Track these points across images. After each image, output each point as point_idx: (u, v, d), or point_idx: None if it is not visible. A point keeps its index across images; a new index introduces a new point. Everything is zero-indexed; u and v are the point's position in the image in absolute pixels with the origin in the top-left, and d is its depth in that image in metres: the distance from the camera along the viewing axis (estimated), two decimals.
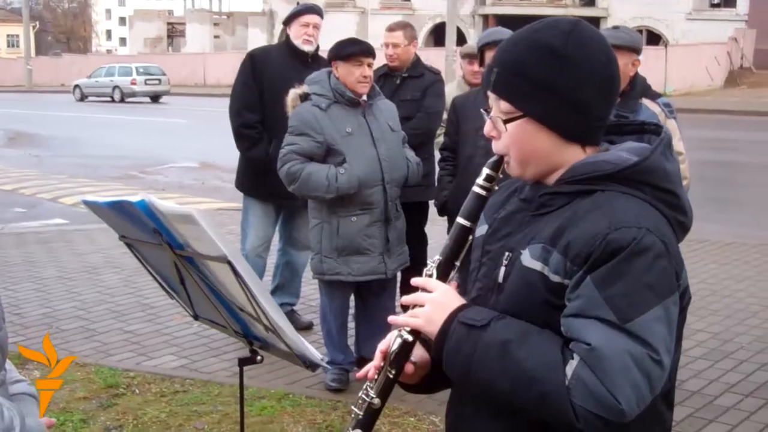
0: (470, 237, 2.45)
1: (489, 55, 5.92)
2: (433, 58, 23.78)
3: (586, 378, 2.06)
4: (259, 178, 7.52)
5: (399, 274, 6.64)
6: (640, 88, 5.76)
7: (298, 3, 7.74)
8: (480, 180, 2.41)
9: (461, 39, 46.38)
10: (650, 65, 35.24)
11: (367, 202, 6.15)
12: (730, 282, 9.31)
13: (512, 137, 2.30)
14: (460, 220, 2.44)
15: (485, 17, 54.89)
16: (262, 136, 7.42)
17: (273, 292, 7.90)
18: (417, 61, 7.75)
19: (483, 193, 2.42)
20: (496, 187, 2.44)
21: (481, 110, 2.43)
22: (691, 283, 7.45)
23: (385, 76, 7.67)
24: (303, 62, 7.44)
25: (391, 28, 7.74)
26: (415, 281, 2.41)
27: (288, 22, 7.65)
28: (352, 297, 6.66)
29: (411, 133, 6.88)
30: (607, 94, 2.28)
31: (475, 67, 7.44)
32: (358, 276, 6.24)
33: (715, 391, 6.44)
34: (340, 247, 6.17)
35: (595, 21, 39.22)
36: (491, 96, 2.33)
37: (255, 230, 7.70)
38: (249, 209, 7.79)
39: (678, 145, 5.65)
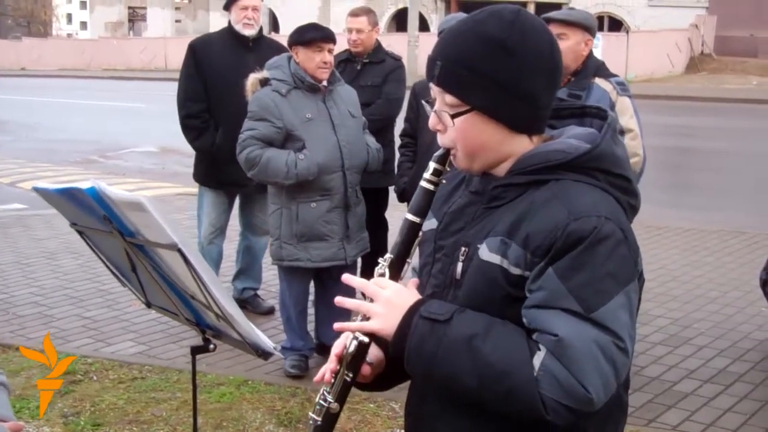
0: (420, 232, 2.42)
1: None
2: (394, 43, 23.76)
3: (555, 369, 2.06)
4: (209, 167, 7.61)
5: (359, 260, 6.64)
6: (592, 67, 5.82)
7: None
8: (427, 174, 2.38)
9: (423, 24, 46.42)
10: (612, 51, 35.51)
11: (327, 188, 6.12)
12: (689, 268, 9.36)
13: (460, 131, 2.27)
14: (408, 216, 2.40)
15: (447, 2, 54.75)
16: (208, 126, 7.46)
17: (236, 277, 8.06)
18: (378, 46, 7.74)
19: (431, 187, 2.38)
20: (444, 181, 2.40)
21: (423, 102, 2.40)
22: (651, 269, 7.47)
23: (346, 61, 7.66)
24: (245, 46, 7.47)
25: (355, 13, 7.71)
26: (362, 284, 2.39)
27: (227, 6, 7.63)
28: (312, 283, 6.63)
29: (370, 118, 6.86)
30: (552, 81, 2.27)
31: None
32: (318, 262, 6.22)
33: (674, 377, 6.48)
34: (300, 233, 6.14)
35: (557, 7, 39.25)
36: (435, 89, 2.29)
37: (208, 218, 7.75)
38: (202, 197, 7.85)
39: (630, 122, 5.73)
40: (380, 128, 7.25)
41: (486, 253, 2.22)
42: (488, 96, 2.21)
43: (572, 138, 2.28)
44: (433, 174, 2.37)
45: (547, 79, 2.24)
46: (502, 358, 2.10)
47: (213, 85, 7.42)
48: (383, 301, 2.29)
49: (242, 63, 7.21)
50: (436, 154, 2.37)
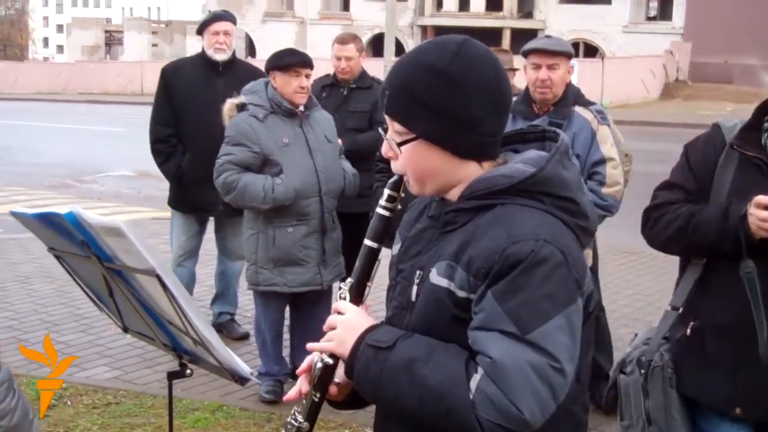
0: (378, 257, 2.48)
1: None
2: (371, 68, 23.79)
3: (489, 391, 2.10)
4: (178, 191, 7.67)
5: (335, 285, 6.64)
6: (572, 95, 5.83)
7: (209, 11, 7.73)
8: (382, 201, 2.45)
9: (400, 50, 46.47)
10: (587, 77, 35.56)
11: (304, 213, 6.13)
12: (663, 294, 9.32)
13: (407, 158, 2.34)
14: (366, 241, 2.48)
15: (423, 28, 55.08)
16: (175, 151, 7.53)
17: (213, 301, 8.09)
18: (363, 72, 7.73)
19: (386, 213, 2.46)
20: (399, 207, 2.47)
21: (379, 129, 2.46)
22: (625, 294, 7.47)
23: (330, 86, 7.65)
24: (216, 71, 7.50)
25: (343, 41, 7.66)
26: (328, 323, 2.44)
27: (200, 32, 7.70)
28: (288, 308, 6.62)
29: (362, 145, 6.91)
30: (498, 109, 2.31)
31: None
32: (294, 287, 6.22)
33: None
34: (276, 258, 6.15)
35: (533, 33, 39.50)
36: (386, 117, 2.36)
37: (177, 240, 7.82)
38: (173, 219, 7.94)
39: (611, 151, 5.73)
40: (369, 154, 7.25)
41: (435, 276, 2.28)
42: (431, 124, 2.27)
43: (521, 162, 2.33)
44: (387, 200, 2.45)
45: (492, 106, 2.29)
46: (441, 380, 2.15)
47: (182, 110, 7.48)
48: (341, 323, 2.38)
49: (212, 88, 7.25)
50: (391, 180, 2.45)
